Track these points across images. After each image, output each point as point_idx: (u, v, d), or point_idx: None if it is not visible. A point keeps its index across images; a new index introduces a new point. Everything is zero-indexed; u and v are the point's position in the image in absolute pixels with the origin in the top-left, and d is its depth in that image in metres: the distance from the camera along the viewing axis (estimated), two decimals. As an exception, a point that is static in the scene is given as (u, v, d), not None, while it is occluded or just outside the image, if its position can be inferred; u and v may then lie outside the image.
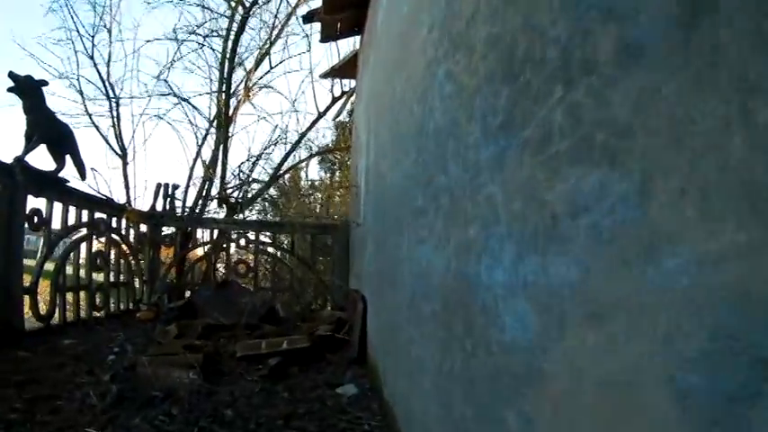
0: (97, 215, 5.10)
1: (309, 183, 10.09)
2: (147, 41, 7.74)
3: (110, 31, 7.18)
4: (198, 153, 7.30)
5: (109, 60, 7.12)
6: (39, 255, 4.34)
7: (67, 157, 4.52)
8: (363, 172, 4.78)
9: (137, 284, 5.95)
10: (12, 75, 3.81)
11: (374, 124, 4.03)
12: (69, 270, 4.81)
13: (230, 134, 7.47)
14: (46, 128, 4.07)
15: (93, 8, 7.35)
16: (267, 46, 7.75)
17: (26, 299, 4.11)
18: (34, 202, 4.49)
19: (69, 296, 4.72)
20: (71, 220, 4.73)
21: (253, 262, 6.49)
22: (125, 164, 6.79)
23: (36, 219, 4.16)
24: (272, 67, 7.90)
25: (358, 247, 5.02)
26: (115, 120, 7.03)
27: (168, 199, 6.28)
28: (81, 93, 7.07)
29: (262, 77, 7.85)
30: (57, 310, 4.51)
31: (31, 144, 4.00)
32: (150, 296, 5.93)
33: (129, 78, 7.56)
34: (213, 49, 7.58)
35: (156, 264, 6.19)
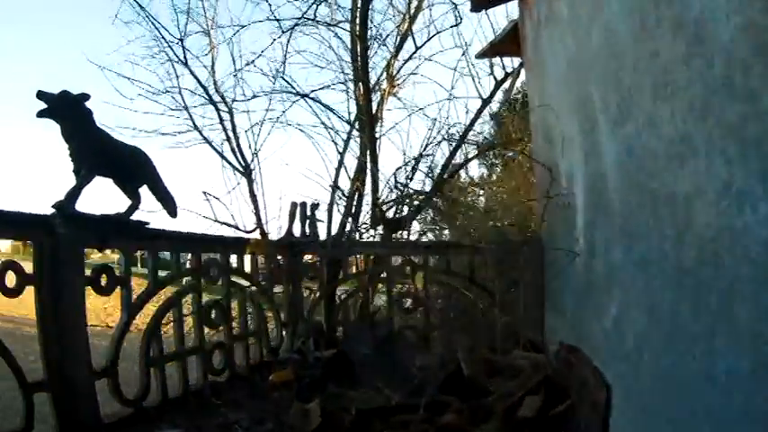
0: (206, 256, 3.78)
1: (468, 180, 7.76)
2: (244, 26, 6.15)
3: (207, 33, 6.15)
4: (340, 162, 5.84)
5: (213, 65, 6.08)
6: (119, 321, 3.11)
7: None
8: (580, 178, 3.27)
9: (271, 326, 4.71)
10: (41, 94, 2.68)
11: (613, 109, 2.63)
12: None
13: (377, 136, 5.86)
14: (98, 156, 2.88)
15: (176, 12, 6.11)
16: (406, 23, 6.10)
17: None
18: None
19: (170, 366, 3.46)
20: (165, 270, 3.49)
21: (420, 293, 4.93)
22: (250, 182, 5.49)
23: (105, 279, 2.94)
24: (417, 48, 6.15)
25: (576, 286, 3.39)
26: (230, 132, 5.89)
27: (308, 221, 4.87)
28: (186, 108, 6.05)
29: (406, 63, 6.23)
30: (151, 387, 3.28)
31: (79, 181, 2.80)
32: (292, 341, 4.63)
33: (239, 83, 5.98)
34: (338, 35, 6.10)
35: (298, 301, 4.81)
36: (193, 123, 5.95)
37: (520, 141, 6.05)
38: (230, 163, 5.71)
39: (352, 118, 6.03)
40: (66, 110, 2.75)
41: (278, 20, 5.79)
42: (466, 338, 4.41)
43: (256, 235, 5.08)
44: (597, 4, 2.76)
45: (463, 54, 6.16)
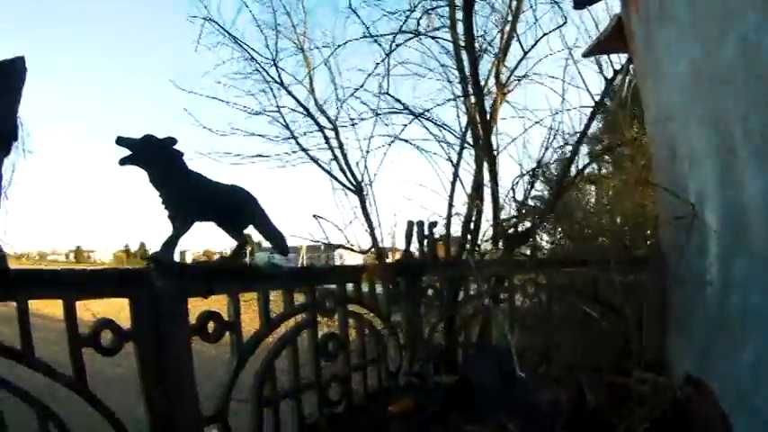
0: (320, 287, 3.42)
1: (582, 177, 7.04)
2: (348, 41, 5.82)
3: (302, 49, 5.88)
4: (455, 176, 5.45)
5: (311, 83, 5.80)
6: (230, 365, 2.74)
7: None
8: (713, 202, 3.16)
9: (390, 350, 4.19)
10: (121, 140, 2.33)
11: (756, 134, 2.46)
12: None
13: (494, 147, 5.36)
14: (194, 202, 2.53)
15: (261, 30, 5.84)
16: (509, 23, 5.56)
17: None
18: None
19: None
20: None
21: (540, 311, 4.59)
22: (362, 200, 5.08)
23: (213, 326, 2.61)
24: (525, 53, 5.63)
25: (706, 315, 3.27)
26: (337, 150, 5.57)
27: (426, 241, 4.38)
28: (287, 126, 5.81)
29: (516, 68, 5.72)
30: (264, 428, 2.96)
31: (175, 231, 2.46)
32: (410, 364, 4.16)
33: (341, 104, 5.57)
34: (439, 43, 5.62)
35: (417, 324, 4.32)
36: (297, 143, 5.77)
37: (634, 141, 5.68)
38: (340, 182, 5.39)
39: (463, 128, 5.68)
40: (153, 155, 2.42)
41: (378, 35, 5.59)
42: (589, 360, 4.24)
43: (372, 255, 4.67)
44: (727, 10, 2.66)
45: (570, 54, 5.78)
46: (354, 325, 3.75)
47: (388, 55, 5.43)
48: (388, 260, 4.65)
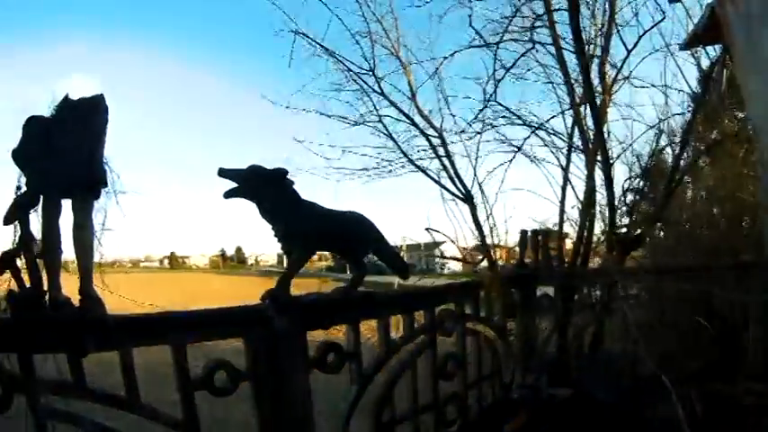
0: (440, 308, 3.04)
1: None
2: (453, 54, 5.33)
3: (398, 57, 5.39)
4: (565, 181, 5.00)
5: (411, 90, 5.34)
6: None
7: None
8: None
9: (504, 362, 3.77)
10: (223, 172, 2.09)
11: None
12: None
13: (608, 149, 4.83)
14: (310, 234, 2.25)
15: (355, 38, 5.36)
16: (606, 19, 4.97)
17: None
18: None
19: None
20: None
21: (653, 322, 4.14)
22: (473, 208, 4.60)
23: (333, 356, 2.30)
24: (629, 51, 5.01)
25: None
26: (445, 159, 5.17)
27: (540, 249, 3.98)
28: (391, 136, 5.40)
29: (621, 68, 5.15)
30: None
31: (292, 264, 2.18)
32: (524, 377, 3.79)
33: (444, 107, 5.09)
34: (542, 44, 5.10)
35: (531, 336, 3.96)
36: (403, 152, 5.40)
37: (736, 136, 5.30)
38: (449, 190, 4.98)
39: (569, 132, 5.21)
40: (262, 187, 2.14)
41: (487, 44, 5.09)
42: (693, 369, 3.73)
43: (484, 264, 4.25)
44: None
45: (667, 48, 5.27)
46: (471, 341, 3.37)
47: (508, 68, 5.00)
48: (498, 267, 4.19)
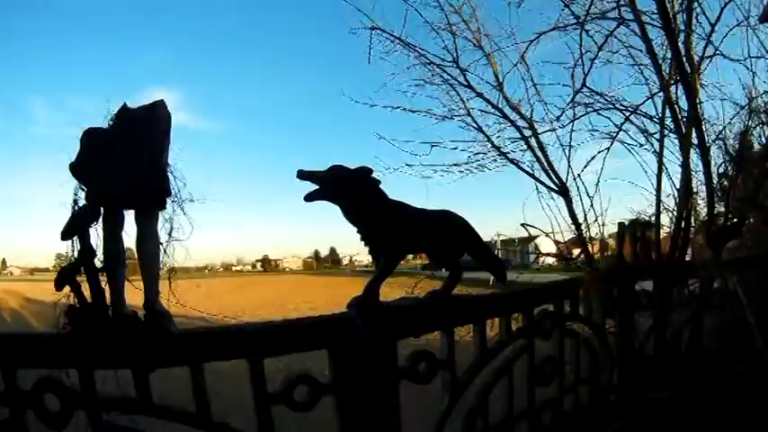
0: (538, 310, 2.68)
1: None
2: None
3: (481, 47, 4.80)
4: (660, 167, 4.37)
5: (497, 79, 4.78)
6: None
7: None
8: None
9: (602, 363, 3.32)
10: (303, 174, 1.86)
11: None
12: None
13: (705, 132, 4.25)
14: (399, 236, 1.97)
15: (434, 31, 4.78)
16: None
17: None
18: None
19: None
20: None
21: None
22: (568, 201, 4.19)
23: (424, 365, 2.01)
24: (713, 25, 4.36)
25: None
26: (538, 151, 4.65)
27: (638, 243, 3.57)
28: (481, 129, 4.87)
29: (707, 45, 4.45)
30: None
31: (380, 271, 1.89)
32: (622, 378, 3.36)
33: (532, 96, 4.67)
34: (629, 21, 4.40)
35: (630, 335, 3.49)
36: (494, 146, 4.85)
37: None
38: (543, 183, 4.53)
39: (659, 115, 4.53)
40: (345, 188, 1.89)
41: (568, 24, 4.47)
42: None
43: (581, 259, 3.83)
44: None
45: (747, 22, 4.57)
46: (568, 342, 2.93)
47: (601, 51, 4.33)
48: (596, 263, 3.75)
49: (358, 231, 1.89)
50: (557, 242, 4.43)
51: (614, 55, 4.64)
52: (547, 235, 4.28)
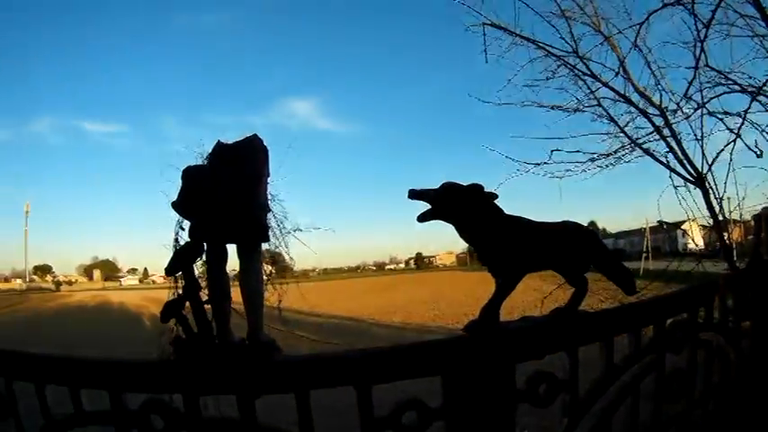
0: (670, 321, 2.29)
1: None
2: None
3: (600, 32, 4.25)
4: None
5: (624, 68, 4.21)
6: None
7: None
8: None
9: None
10: (415, 194, 1.73)
11: None
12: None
13: None
14: (519, 253, 1.78)
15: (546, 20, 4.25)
16: None
17: None
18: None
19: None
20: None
21: None
22: (705, 193, 3.65)
23: (544, 387, 1.78)
24: None
25: None
26: (671, 139, 4.04)
27: None
28: (613, 120, 4.36)
29: None
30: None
31: (499, 291, 1.69)
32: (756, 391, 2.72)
33: (656, 78, 3.96)
34: None
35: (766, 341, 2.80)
36: (628, 137, 4.34)
37: None
38: (678, 173, 3.93)
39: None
40: (457, 206, 1.76)
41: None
42: None
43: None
44: None
45: None
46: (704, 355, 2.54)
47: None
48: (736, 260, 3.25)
49: (476, 251, 1.74)
50: (703, 227, 3.90)
51: (733, 28, 3.94)
52: (684, 232, 3.77)
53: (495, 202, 1.74)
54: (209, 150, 1.86)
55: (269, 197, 1.87)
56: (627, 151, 4.36)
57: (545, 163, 4.39)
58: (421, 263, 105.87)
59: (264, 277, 1.85)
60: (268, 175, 1.84)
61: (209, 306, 1.59)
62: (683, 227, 4.14)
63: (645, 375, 2.12)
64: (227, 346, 1.53)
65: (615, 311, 2.01)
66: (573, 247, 1.83)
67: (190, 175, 1.74)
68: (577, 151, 4.40)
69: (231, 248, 1.74)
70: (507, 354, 1.53)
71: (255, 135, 1.82)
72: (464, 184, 1.71)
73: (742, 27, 3.91)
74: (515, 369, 1.59)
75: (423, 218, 1.68)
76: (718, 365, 2.67)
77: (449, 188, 1.69)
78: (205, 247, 1.67)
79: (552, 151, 4.34)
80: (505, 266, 1.69)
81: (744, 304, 2.78)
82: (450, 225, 1.73)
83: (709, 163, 3.67)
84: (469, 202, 1.70)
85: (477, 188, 1.71)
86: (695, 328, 2.34)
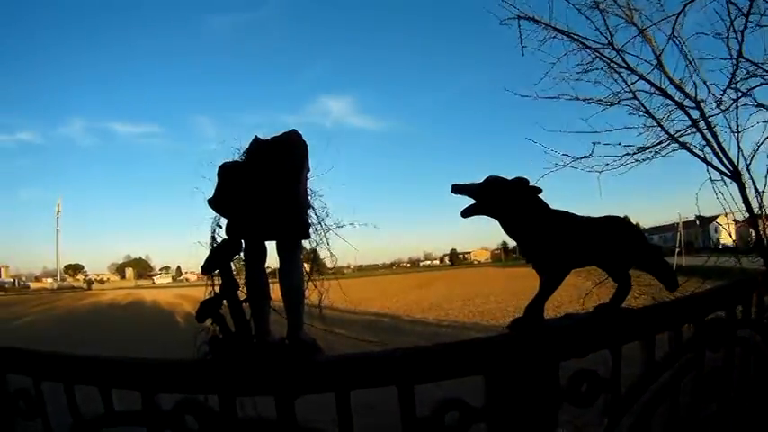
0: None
1: None
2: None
3: (634, 23, 4.09)
4: None
5: (660, 61, 4.08)
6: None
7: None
8: None
9: None
10: (458, 188, 1.66)
11: None
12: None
13: None
14: (562, 249, 1.66)
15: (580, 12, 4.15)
16: None
17: None
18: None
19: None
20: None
21: None
22: (742, 188, 3.54)
23: (586, 386, 1.66)
24: None
25: None
26: (707, 133, 3.89)
27: None
28: (649, 113, 4.19)
29: None
30: None
31: (542, 289, 1.61)
32: None
33: (691, 71, 3.79)
34: None
35: None
36: (664, 130, 4.18)
37: None
38: (715, 167, 3.78)
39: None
40: (503, 201, 1.67)
41: None
42: None
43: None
44: None
45: None
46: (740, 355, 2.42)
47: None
48: None
49: (519, 246, 1.65)
50: (736, 222, 3.74)
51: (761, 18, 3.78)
52: (723, 227, 3.63)
53: (540, 196, 1.65)
54: (246, 146, 1.79)
55: (309, 192, 1.80)
56: (663, 145, 4.20)
57: (585, 157, 4.25)
58: (455, 259, 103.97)
59: (305, 275, 1.75)
60: (308, 171, 1.77)
61: (248, 305, 1.53)
62: (717, 221, 3.97)
63: (685, 374, 2.03)
64: (267, 345, 1.47)
65: (656, 309, 1.92)
66: (617, 243, 1.74)
67: (227, 170, 1.68)
68: (619, 144, 4.25)
69: (270, 246, 1.67)
70: (552, 352, 1.45)
71: (294, 130, 1.75)
72: (508, 179, 1.62)
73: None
74: (558, 367, 1.50)
75: (467, 213, 1.61)
76: (755, 362, 2.58)
77: (493, 182, 1.61)
78: (243, 245, 1.61)
79: (594, 144, 4.21)
80: (551, 262, 1.60)
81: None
82: (494, 220, 1.64)
83: (746, 157, 3.53)
84: (514, 196, 1.61)
85: (522, 182, 1.62)
86: (733, 325, 2.24)
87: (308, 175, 1.79)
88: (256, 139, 1.75)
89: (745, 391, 2.45)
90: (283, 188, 1.62)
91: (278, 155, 1.67)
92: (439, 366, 1.35)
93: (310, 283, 2.04)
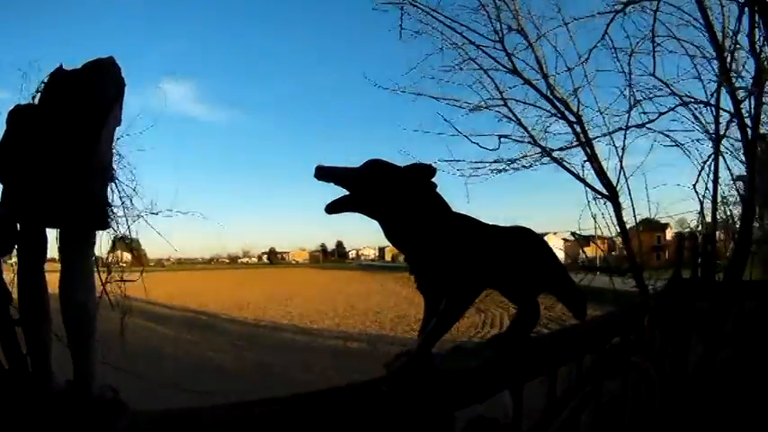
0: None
1: None
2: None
3: (521, 31, 3.89)
4: (716, 166, 3.53)
5: (539, 65, 3.90)
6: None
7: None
8: None
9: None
10: (325, 171, 1.18)
11: None
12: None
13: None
14: (468, 262, 1.22)
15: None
16: None
17: None
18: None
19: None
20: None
21: None
22: (617, 207, 3.54)
23: None
24: None
25: None
26: (588, 150, 3.81)
27: (698, 258, 2.93)
28: (520, 123, 4.01)
29: None
30: None
31: (444, 314, 1.18)
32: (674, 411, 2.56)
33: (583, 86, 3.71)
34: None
35: (682, 361, 2.69)
36: (536, 143, 3.99)
37: None
38: (591, 186, 3.72)
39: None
40: (387, 194, 1.20)
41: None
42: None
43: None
44: None
45: None
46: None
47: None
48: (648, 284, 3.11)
49: (406, 257, 1.25)
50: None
51: (668, 41, 3.86)
52: (595, 244, 3.62)
53: (437, 192, 1.27)
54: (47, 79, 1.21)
55: (114, 155, 1.24)
56: (536, 158, 4.06)
57: (457, 161, 3.99)
58: (274, 258, 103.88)
59: (98, 284, 1.25)
60: (118, 122, 1.21)
61: (22, 329, 1.00)
62: (592, 240, 3.95)
63: (585, 406, 1.90)
64: (44, 398, 0.96)
65: (560, 337, 1.75)
66: (527, 259, 1.43)
67: (16, 116, 1.14)
68: (492, 150, 4.06)
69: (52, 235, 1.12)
70: (446, 402, 1.17)
71: (111, 57, 1.22)
72: (398, 165, 1.24)
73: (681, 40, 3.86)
74: (454, 418, 1.23)
75: (335, 207, 1.20)
76: (646, 389, 2.54)
77: (378, 168, 1.21)
78: (18, 233, 1.07)
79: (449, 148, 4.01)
80: (453, 283, 1.21)
81: (667, 324, 2.68)
82: (371, 219, 1.21)
83: (626, 177, 3.52)
84: (407, 189, 1.21)
85: (420, 170, 1.24)
86: (628, 352, 2.18)
87: (117, 130, 1.23)
88: (59, 70, 1.20)
89: (639, 419, 2.41)
90: (75, 145, 1.08)
91: (78, 92, 1.13)
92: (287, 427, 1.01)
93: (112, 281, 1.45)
